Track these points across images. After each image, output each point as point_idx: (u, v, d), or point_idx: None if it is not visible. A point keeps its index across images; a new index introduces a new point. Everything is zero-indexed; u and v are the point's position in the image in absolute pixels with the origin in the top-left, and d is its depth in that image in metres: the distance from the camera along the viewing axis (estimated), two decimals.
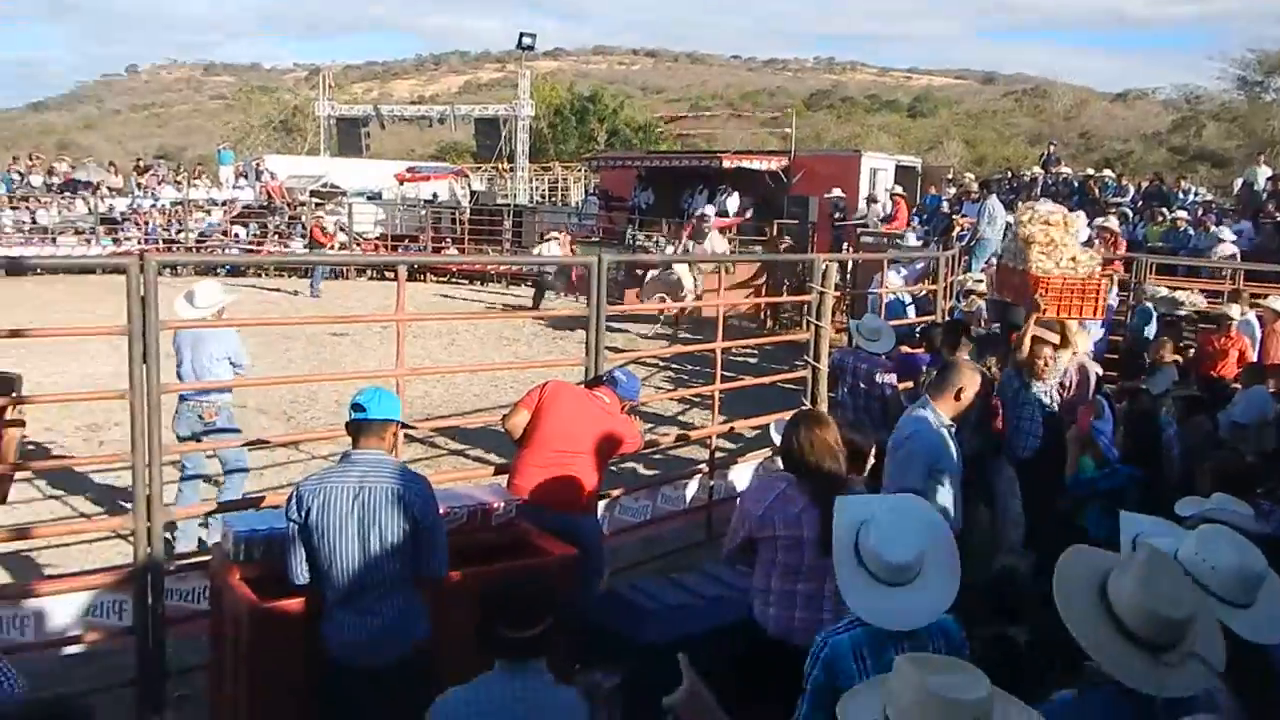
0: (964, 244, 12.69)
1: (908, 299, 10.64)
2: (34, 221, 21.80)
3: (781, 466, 3.91)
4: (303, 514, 3.47)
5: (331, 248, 20.75)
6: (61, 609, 4.27)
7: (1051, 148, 21.28)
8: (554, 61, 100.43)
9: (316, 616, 3.56)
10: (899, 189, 17.13)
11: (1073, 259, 6.14)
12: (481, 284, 21.73)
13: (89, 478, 7.06)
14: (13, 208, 22.08)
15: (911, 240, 14.86)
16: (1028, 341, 5.79)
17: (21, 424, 4.27)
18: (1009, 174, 20.61)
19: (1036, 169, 19.60)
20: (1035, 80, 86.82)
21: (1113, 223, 12.51)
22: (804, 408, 5.79)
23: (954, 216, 15.73)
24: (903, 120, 70.65)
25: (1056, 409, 5.76)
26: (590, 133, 44.78)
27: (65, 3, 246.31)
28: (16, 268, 9.29)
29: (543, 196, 30.96)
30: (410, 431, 6.10)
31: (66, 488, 6.99)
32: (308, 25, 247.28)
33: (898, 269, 11.69)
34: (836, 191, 17.37)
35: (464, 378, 11.10)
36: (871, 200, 17.17)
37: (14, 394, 4.25)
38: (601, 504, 5.47)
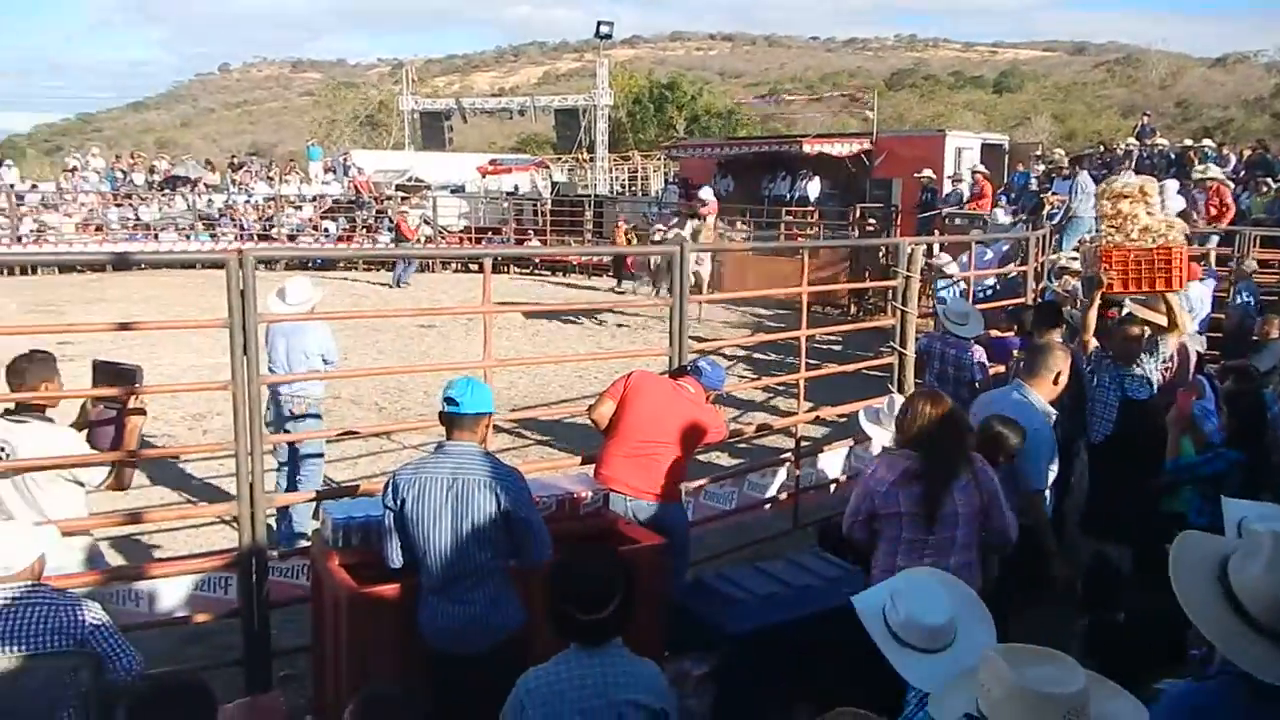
0: (1054, 222, 12.37)
1: (990, 281, 10.43)
2: (137, 218, 22.69)
3: (896, 447, 3.96)
4: (398, 502, 3.56)
5: (418, 242, 21.17)
6: (173, 590, 4.46)
7: (1146, 118, 20.48)
8: (631, 49, 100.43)
9: (412, 602, 3.66)
10: (984, 168, 16.74)
11: (1144, 229, 5.81)
12: (564, 275, 21.92)
13: (194, 465, 7.35)
14: (117, 205, 23.02)
15: (1001, 218, 14.48)
16: (1091, 320, 5.62)
17: (143, 413, 4.48)
18: (1101, 148, 19.95)
19: (1131, 140, 18.90)
20: (1128, 49, 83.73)
21: (1214, 171, 11.99)
22: (922, 387, 5.75)
23: (1044, 194, 15.30)
24: (988, 97, 68.93)
25: (1152, 391, 5.57)
26: (669, 121, 44.72)
27: (161, 4, 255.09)
28: (123, 263, 9.74)
29: (622, 186, 31.06)
30: (497, 422, 6.19)
31: (174, 475, 7.29)
32: (391, 20, 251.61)
33: (981, 251, 11.44)
34: (927, 172, 17.05)
35: (549, 368, 11.23)
36: (957, 180, 16.82)
37: (135, 385, 4.45)
38: (687, 493, 5.49)
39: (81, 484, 4.26)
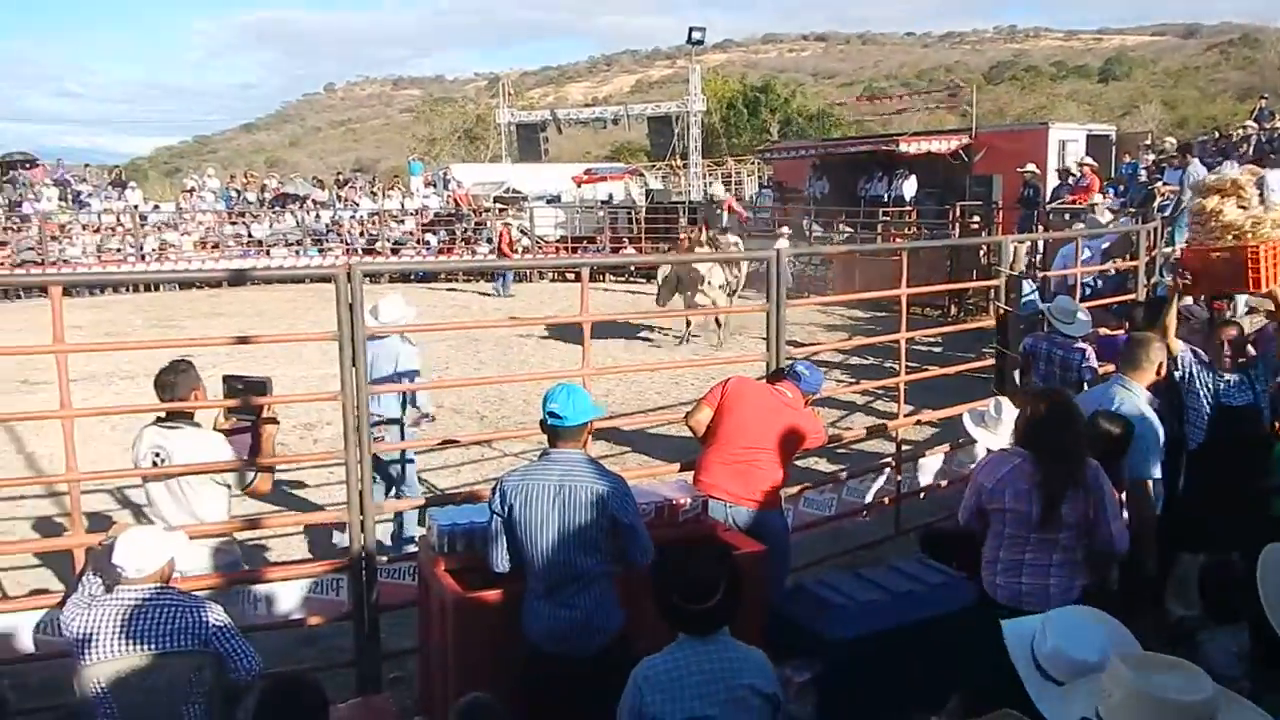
0: (1165, 214, 11.88)
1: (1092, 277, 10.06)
2: (250, 235, 23.67)
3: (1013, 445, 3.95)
4: (505, 508, 3.64)
5: (516, 252, 21.57)
6: (288, 594, 4.64)
7: (1264, 101, 19.38)
8: (723, 54, 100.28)
9: (516, 606, 3.73)
10: (1090, 160, 16.16)
11: (1226, 226, 5.37)
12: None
13: (306, 472, 7.62)
14: (231, 222, 24.06)
15: (1101, 212, 13.92)
16: (1171, 323, 5.25)
17: (276, 422, 4.70)
18: (1215, 134, 19.03)
19: (1250, 124, 17.94)
20: (1243, 28, 79.77)
21: None
22: (1042, 387, 5.60)
23: (1154, 185, 14.68)
24: (1093, 86, 66.71)
25: (1253, 396, 5.24)
26: (763, 124, 44.53)
27: (269, 28, 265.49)
28: (238, 279, 10.18)
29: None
30: (595, 430, 6.26)
31: (287, 482, 7.57)
32: (487, 36, 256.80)
33: (1084, 246, 11.06)
34: (1030, 167, 16.58)
35: (646, 375, 11.29)
36: (1064, 174, 16.29)
37: (268, 395, 4.67)
38: (786, 499, 5.46)
39: (228, 486, 4.50)
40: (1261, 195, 5.24)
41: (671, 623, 2.90)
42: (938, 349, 11.85)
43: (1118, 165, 17.68)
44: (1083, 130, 20.11)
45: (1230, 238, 5.33)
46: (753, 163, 32.36)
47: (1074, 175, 15.61)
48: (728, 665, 2.85)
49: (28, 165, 23.75)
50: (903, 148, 20.04)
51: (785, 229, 18.45)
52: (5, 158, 22.71)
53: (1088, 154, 17.11)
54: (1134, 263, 8.66)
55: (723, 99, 45.47)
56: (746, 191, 29.56)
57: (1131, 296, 7.98)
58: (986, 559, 3.86)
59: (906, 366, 6.69)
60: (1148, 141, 18.63)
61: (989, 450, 4.79)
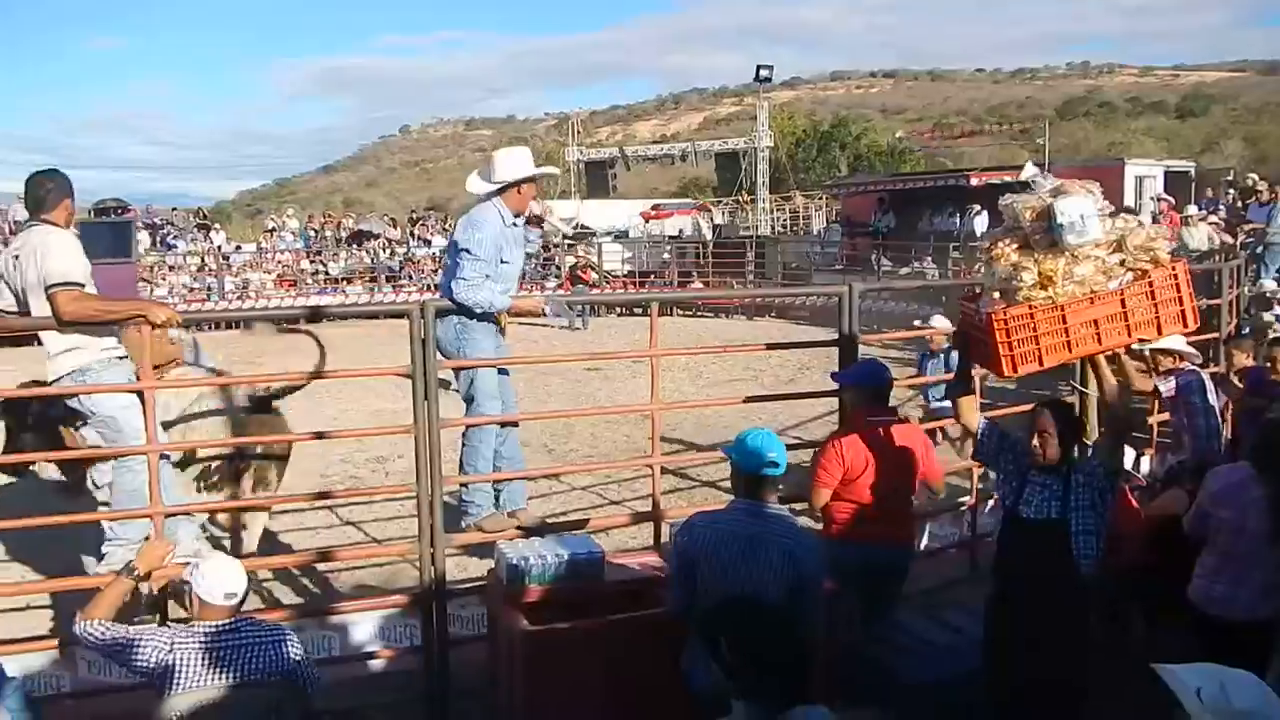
0: (1250, 251, 11.50)
1: None
2: (327, 272, 24.30)
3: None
4: (689, 547, 3.57)
5: (592, 286, 21.81)
6: (360, 627, 4.69)
7: None
8: (791, 91, 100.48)
9: (588, 641, 3.71)
10: (1169, 197, 15.73)
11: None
12: (726, 317, 21.97)
13: (379, 506, 7.71)
14: (309, 260, 24.74)
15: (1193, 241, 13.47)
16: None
17: None
18: None
19: None
20: None
21: None
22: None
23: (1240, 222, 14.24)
24: (1170, 123, 65.25)
25: None
26: (833, 161, 44.40)
27: (347, 74, 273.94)
28: (315, 316, 10.35)
29: (784, 226, 30.98)
30: (664, 463, 6.23)
31: (360, 515, 7.67)
32: (557, 76, 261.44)
33: None
34: (1105, 204, 16.18)
35: (713, 410, 11.24)
36: (1134, 213, 15.89)
37: None
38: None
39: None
40: (1048, 228, 3.73)
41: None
42: (1011, 386, 11.58)
43: (1198, 202, 17.25)
44: (1161, 166, 19.66)
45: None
46: (820, 198, 32.26)
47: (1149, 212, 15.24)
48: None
49: (120, 211, 24.71)
50: (974, 183, 19.80)
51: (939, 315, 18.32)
52: (99, 204, 23.67)
53: (1166, 191, 16.70)
54: (1216, 301, 8.39)
55: (792, 135, 45.49)
56: (815, 227, 29.45)
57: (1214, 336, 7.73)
58: (1205, 569, 3.96)
59: (981, 404, 6.53)
60: (1229, 178, 18.10)
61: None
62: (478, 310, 4.85)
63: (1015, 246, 3.80)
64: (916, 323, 12.19)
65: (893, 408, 4.98)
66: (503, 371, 5.25)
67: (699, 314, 22.09)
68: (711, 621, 2.87)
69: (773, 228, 30.49)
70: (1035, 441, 3.71)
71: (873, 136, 49.52)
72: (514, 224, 5.11)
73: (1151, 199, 15.85)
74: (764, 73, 32.40)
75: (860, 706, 3.78)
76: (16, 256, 4.44)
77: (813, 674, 3.39)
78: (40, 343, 4.55)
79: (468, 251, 4.87)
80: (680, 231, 27.93)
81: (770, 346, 10.70)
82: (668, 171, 49.36)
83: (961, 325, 4.26)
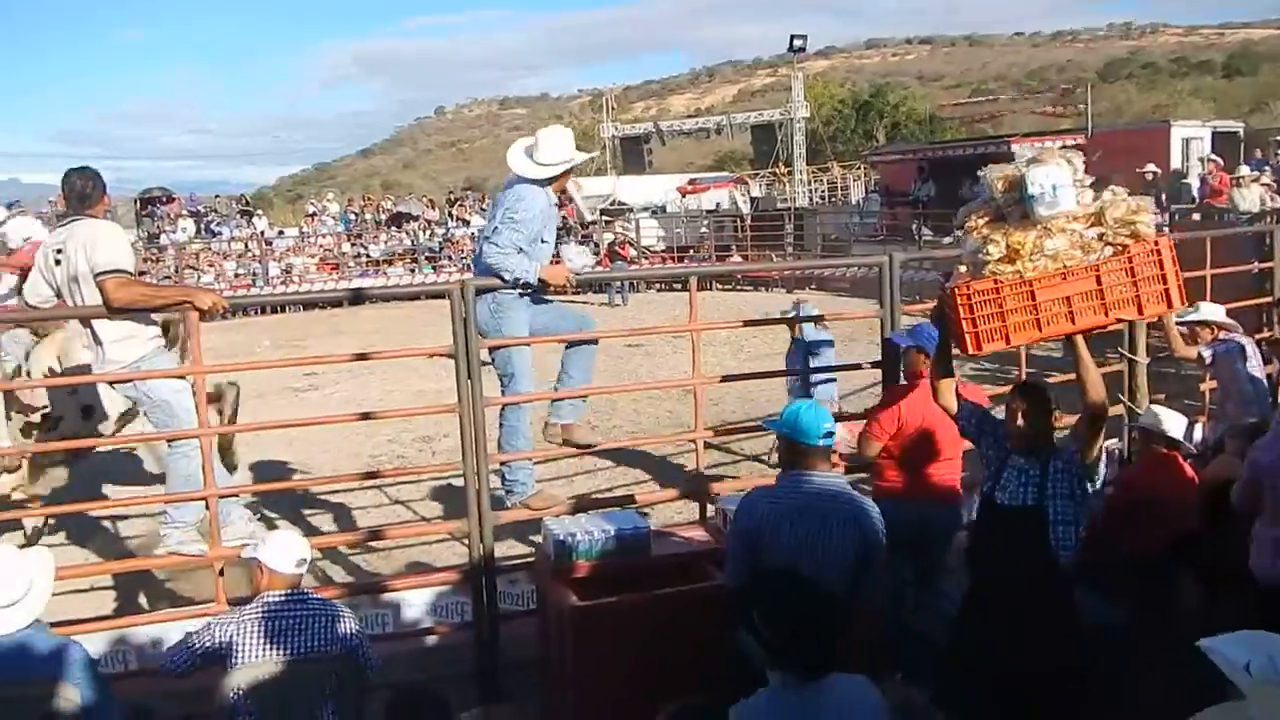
0: None
1: None
2: (368, 255, 24.55)
3: None
4: (752, 523, 3.58)
5: (630, 263, 21.83)
6: (412, 604, 4.77)
7: None
8: (826, 60, 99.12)
9: (635, 616, 3.74)
10: (1217, 158, 15.35)
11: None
12: (766, 290, 21.87)
13: (426, 484, 7.81)
14: (350, 243, 24.99)
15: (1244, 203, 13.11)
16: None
17: None
18: None
19: None
20: None
21: None
22: None
23: None
24: (1217, 82, 63.49)
25: None
26: (870, 130, 43.86)
27: (382, 57, 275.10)
28: (358, 298, 10.55)
29: (822, 197, 30.72)
30: (707, 439, 6.24)
31: (407, 493, 7.78)
32: (590, 52, 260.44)
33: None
34: (1150, 167, 15.87)
35: (755, 383, 11.20)
36: (1180, 175, 15.55)
37: None
38: None
39: None
40: (1020, 198, 3.50)
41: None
42: (1057, 354, 11.42)
43: (1248, 163, 16.84)
44: (1208, 127, 19.17)
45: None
46: (858, 168, 31.92)
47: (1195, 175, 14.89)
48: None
49: (165, 200, 25.18)
50: (1014, 149, 19.45)
51: None
52: (145, 194, 24.16)
53: (1215, 152, 16.29)
54: (1268, 264, 8.20)
55: (828, 105, 45.00)
56: (853, 197, 29.16)
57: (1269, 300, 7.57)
58: (1265, 542, 3.83)
59: (1026, 373, 6.46)
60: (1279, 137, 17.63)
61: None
62: (506, 276, 4.87)
63: (987, 219, 3.60)
64: None
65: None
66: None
67: (738, 288, 22.00)
68: (744, 592, 2.89)
69: (810, 199, 30.22)
70: (1014, 423, 3.55)
71: (910, 105, 48.81)
72: (554, 205, 5.19)
73: (1200, 160, 15.46)
74: (798, 43, 32.07)
75: (905, 677, 3.78)
76: (59, 250, 4.56)
77: (861, 643, 3.41)
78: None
79: (512, 219, 4.91)
80: (717, 205, 27.80)
81: (810, 319, 10.62)
82: (703, 145, 49.03)
83: (938, 303, 4.02)
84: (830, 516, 3.47)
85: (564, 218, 25.60)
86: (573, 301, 8.10)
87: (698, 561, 4.32)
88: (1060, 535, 3.45)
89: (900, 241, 19.59)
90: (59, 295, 4.68)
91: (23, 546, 3.46)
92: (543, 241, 5.07)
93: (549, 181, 5.07)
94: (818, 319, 7.75)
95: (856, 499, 3.61)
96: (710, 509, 5.12)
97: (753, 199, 28.71)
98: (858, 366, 6.34)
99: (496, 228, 4.95)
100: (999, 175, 3.59)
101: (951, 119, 45.74)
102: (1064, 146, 3.69)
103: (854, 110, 46.39)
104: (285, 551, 3.60)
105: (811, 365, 7.73)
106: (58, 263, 4.58)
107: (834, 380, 8.07)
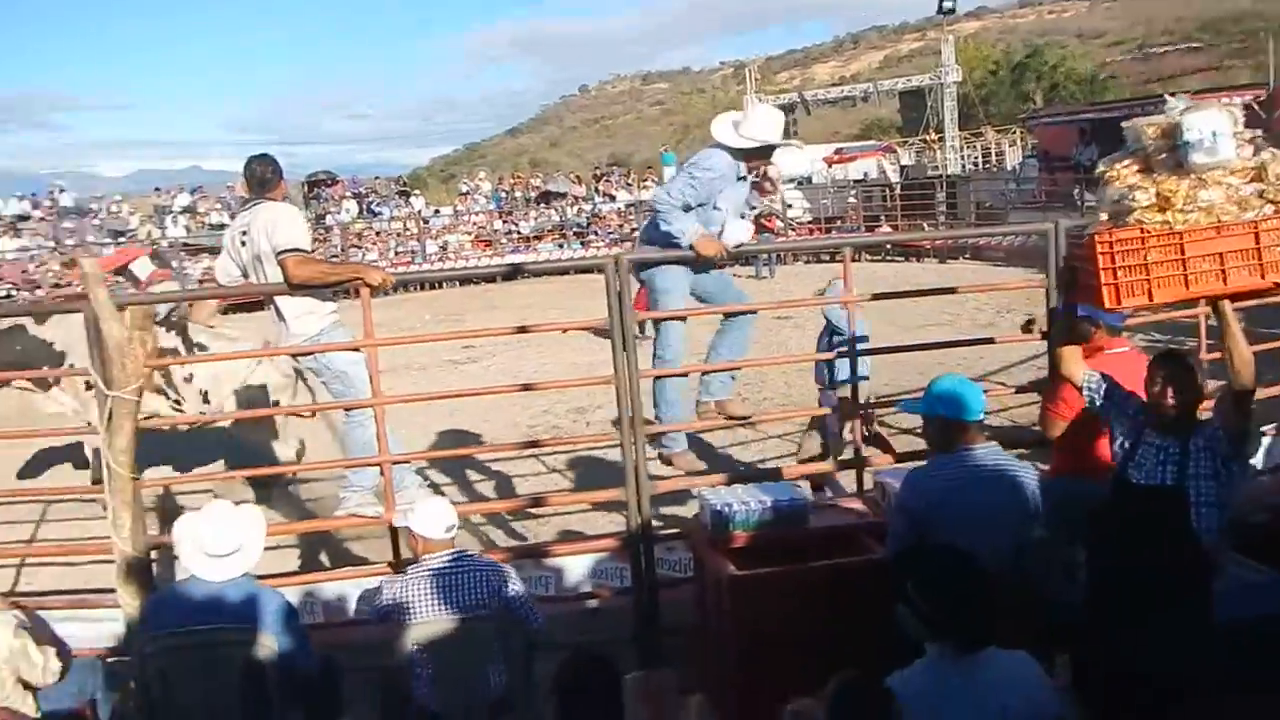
0: None
1: None
2: (518, 231, 25.22)
3: None
4: (921, 502, 3.55)
5: (778, 235, 21.63)
6: (573, 569, 4.93)
7: None
8: (977, 21, 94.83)
9: (793, 585, 3.76)
10: None
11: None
12: (916, 260, 21.31)
13: (581, 454, 8.01)
14: (502, 220, 25.72)
15: None
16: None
17: None
18: None
19: None
20: None
21: None
22: None
23: None
24: None
25: None
26: (1026, 93, 41.95)
27: (528, 38, 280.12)
28: (512, 274, 10.87)
29: (975, 164, 29.61)
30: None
31: (563, 463, 8.00)
32: (732, 24, 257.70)
33: None
34: None
35: (906, 355, 10.94)
36: None
37: None
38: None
39: None
40: (1174, 146, 3.23)
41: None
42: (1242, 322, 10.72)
43: None
44: None
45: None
46: (1014, 132, 30.56)
47: None
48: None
49: (329, 183, 26.46)
50: (1169, 102, 18.22)
51: None
52: (311, 177, 25.45)
53: None
54: None
55: (981, 68, 43.25)
56: (1009, 162, 27.97)
57: None
58: None
59: (1207, 344, 6.09)
60: None
61: None
62: (662, 224, 4.94)
63: (1135, 169, 3.32)
64: None
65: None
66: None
67: (887, 258, 21.51)
68: (902, 565, 2.88)
69: (963, 166, 29.18)
70: (1160, 397, 3.28)
71: (1070, 64, 46.34)
72: (743, 178, 5.19)
73: None
74: (947, 4, 30.84)
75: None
76: (244, 232, 4.90)
77: (1025, 619, 3.33)
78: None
79: (690, 174, 5.02)
80: (865, 175, 27.20)
81: (967, 290, 10.30)
82: (849, 114, 47.89)
83: (1067, 260, 3.77)
84: (997, 490, 3.42)
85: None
86: None
87: (856, 534, 4.30)
88: (1203, 518, 3.20)
89: (1061, 208, 18.67)
90: (245, 275, 5.02)
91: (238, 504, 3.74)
92: (715, 208, 5.08)
93: (743, 155, 5.09)
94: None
95: (1021, 470, 3.55)
96: (868, 481, 5.08)
97: (902, 167, 27.95)
98: (1022, 338, 6.10)
99: (675, 179, 5.04)
100: (1150, 123, 3.34)
101: (1115, 78, 43.31)
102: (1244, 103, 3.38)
103: (1008, 72, 44.41)
104: (435, 519, 3.80)
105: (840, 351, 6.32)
106: (243, 244, 4.92)
107: (866, 378, 6.51)
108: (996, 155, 29.61)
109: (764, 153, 5.23)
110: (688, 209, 4.96)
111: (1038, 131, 25.24)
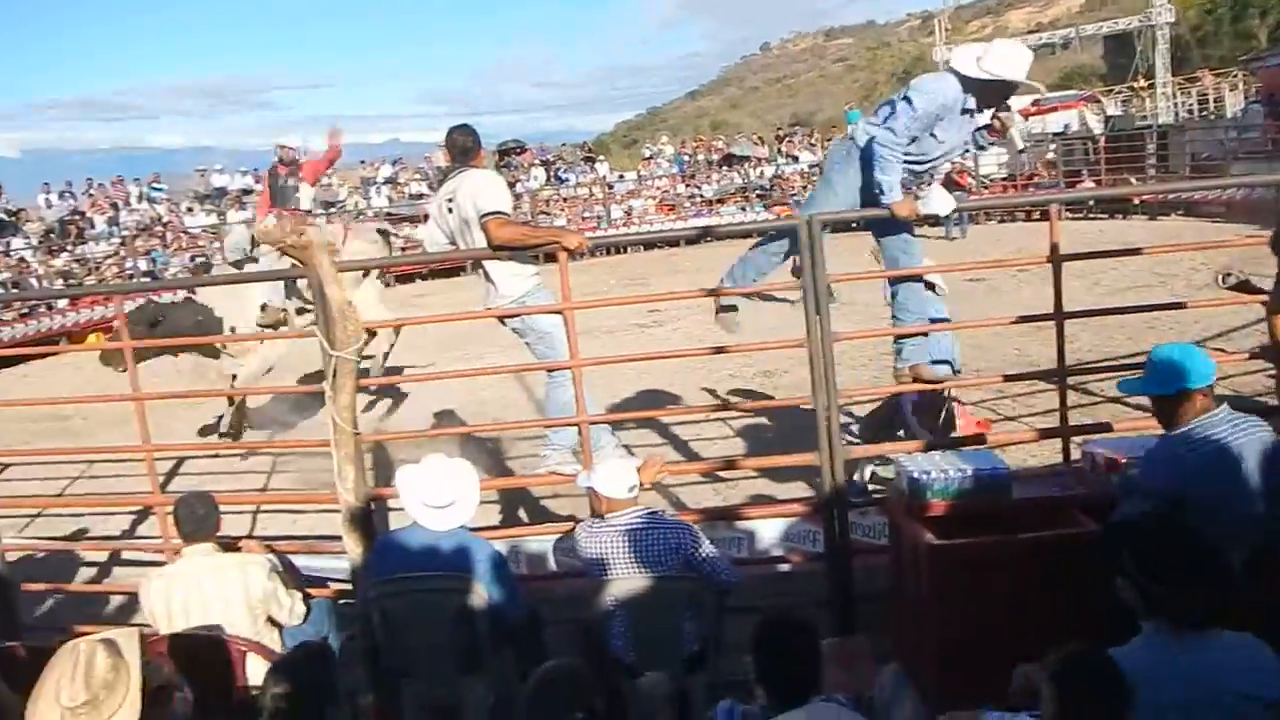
0: None
1: None
2: (701, 195, 25.28)
3: None
4: (1173, 483, 3.34)
5: (970, 192, 20.78)
6: (765, 532, 4.98)
7: None
8: None
9: (993, 554, 3.67)
10: None
11: None
12: (1123, 217, 19.99)
13: (769, 418, 8.02)
14: (684, 184, 25.85)
15: None
16: None
17: None
18: None
19: None
20: None
21: None
22: None
23: None
24: None
25: None
26: (1249, 31, 38.31)
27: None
28: (702, 236, 10.95)
29: (1190, 112, 27.35)
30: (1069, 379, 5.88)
31: (752, 426, 8.04)
32: None
33: None
34: None
35: (1114, 320, 10.32)
36: None
37: None
38: None
39: None
40: None
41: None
42: None
43: None
44: None
45: None
46: (1234, 76, 27.98)
47: None
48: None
49: (519, 150, 27.26)
50: None
51: None
52: (501, 146, 26.30)
53: None
54: None
55: (1194, 6, 39.79)
56: (1228, 109, 25.66)
57: None
58: None
59: None
60: None
61: None
62: (878, 173, 4.78)
63: None
64: None
65: None
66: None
67: (1090, 215, 20.27)
68: (1122, 536, 2.74)
69: (1176, 115, 27.01)
70: None
71: None
72: (969, 112, 4.88)
73: None
74: None
75: None
76: (450, 199, 5.15)
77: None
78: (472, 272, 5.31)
79: (910, 105, 4.75)
80: (1065, 127, 25.62)
81: (1183, 247, 9.61)
82: (1046, 62, 45.19)
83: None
84: (1248, 451, 3.18)
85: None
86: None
87: (1064, 506, 4.14)
88: None
89: None
90: (452, 241, 5.29)
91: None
92: (932, 135, 4.85)
93: (977, 87, 4.79)
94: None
95: (1266, 428, 3.27)
96: (1075, 452, 4.87)
97: (1107, 118, 26.14)
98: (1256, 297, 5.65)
99: (895, 112, 4.78)
100: None
101: None
102: None
103: (1228, 9, 40.69)
104: (617, 479, 3.92)
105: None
106: (450, 210, 5.18)
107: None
108: (1215, 102, 27.22)
109: (1001, 91, 4.84)
110: (913, 140, 4.75)
111: (1262, 74, 23.09)
